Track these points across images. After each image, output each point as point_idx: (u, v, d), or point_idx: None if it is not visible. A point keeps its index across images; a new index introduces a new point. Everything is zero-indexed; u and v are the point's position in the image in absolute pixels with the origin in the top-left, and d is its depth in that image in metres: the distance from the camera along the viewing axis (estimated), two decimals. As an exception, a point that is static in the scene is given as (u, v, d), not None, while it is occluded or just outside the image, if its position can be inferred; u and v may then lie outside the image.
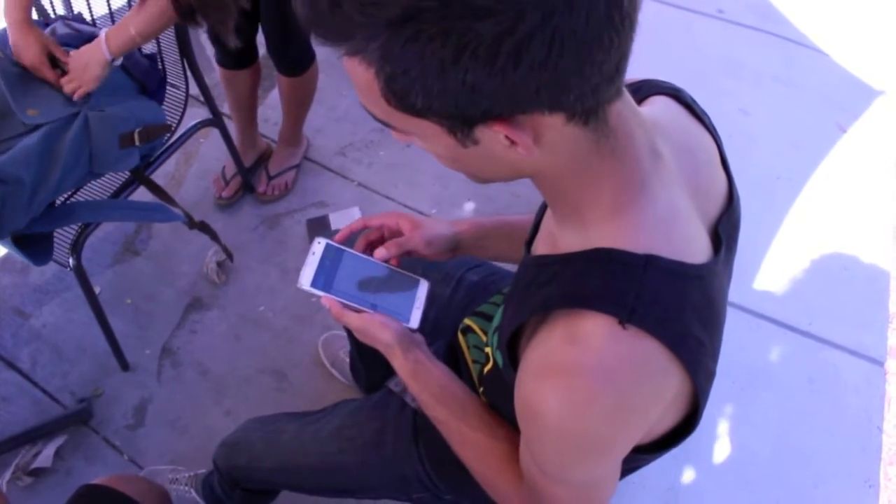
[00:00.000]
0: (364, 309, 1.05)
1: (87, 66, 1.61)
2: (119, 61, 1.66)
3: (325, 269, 1.07)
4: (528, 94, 0.60)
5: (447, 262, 1.33)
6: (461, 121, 0.64)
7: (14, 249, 1.61)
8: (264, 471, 1.37)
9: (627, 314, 0.68)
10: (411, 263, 1.25)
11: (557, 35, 0.56)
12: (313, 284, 1.05)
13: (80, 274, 1.78)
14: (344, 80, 2.78)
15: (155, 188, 1.86)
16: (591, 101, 0.63)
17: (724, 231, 0.81)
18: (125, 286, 2.26)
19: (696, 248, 0.75)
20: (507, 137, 0.64)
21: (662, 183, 0.74)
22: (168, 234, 2.37)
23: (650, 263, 0.70)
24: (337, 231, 1.44)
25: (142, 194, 1.87)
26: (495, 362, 0.98)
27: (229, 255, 2.24)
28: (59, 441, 1.93)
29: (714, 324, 0.76)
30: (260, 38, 2.12)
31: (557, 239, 0.81)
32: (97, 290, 2.11)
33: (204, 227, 2.02)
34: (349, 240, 1.17)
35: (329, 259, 1.09)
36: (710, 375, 0.77)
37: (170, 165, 2.53)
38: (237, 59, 2.17)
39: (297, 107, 2.37)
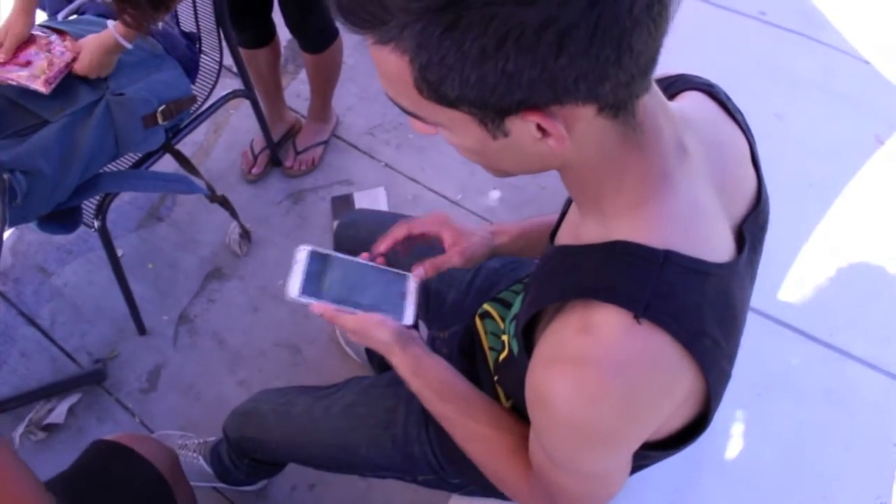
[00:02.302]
0: (357, 311, 1.04)
1: (93, 54, 1.55)
2: (131, 46, 1.58)
3: (312, 277, 1.06)
4: (566, 84, 0.59)
5: None
6: (494, 111, 0.63)
7: (40, 228, 1.62)
8: (273, 443, 1.38)
9: (642, 309, 0.68)
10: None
11: (601, 23, 0.55)
12: (302, 293, 1.03)
13: (104, 236, 1.80)
14: (377, 59, 2.78)
15: (181, 158, 1.87)
16: (624, 94, 0.63)
17: (750, 231, 0.80)
18: (147, 251, 2.28)
19: (717, 247, 0.74)
20: (539, 129, 0.63)
21: (687, 178, 0.74)
22: (193, 202, 2.39)
23: (668, 259, 0.70)
24: (364, 218, 1.44)
25: (167, 162, 1.88)
26: (511, 350, 0.98)
27: (246, 233, 2.25)
28: (73, 399, 1.96)
29: (732, 325, 0.75)
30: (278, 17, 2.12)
31: (580, 230, 0.80)
32: (120, 253, 2.14)
33: (224, 203, 2.03)
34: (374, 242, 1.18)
35: (314, 265, 1.07)
36: (725, 377, 0.76)
37: (199, 135, 2.55)
38: (254, 38, 2.17)
39: (323, 82, 2.37)
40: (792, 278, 2.23)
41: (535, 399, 0.77)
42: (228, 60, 2.01)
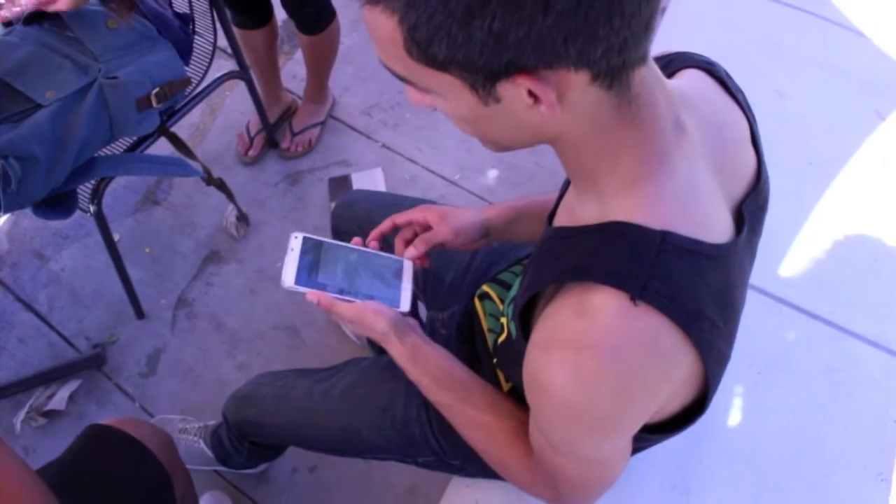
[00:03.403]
0: (352, 300, 1.03)
1: None
2: None
3: (307, 264, 1.05)
4: (555, 45, 0.58)
5: None
6: (484, 74, 0.62)
7: (36, 214, 1.61)
8: (273, 426, 1.38)
9: (639, 291, 0.67)
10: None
11: (575, 12, 0.55)
12: (297, 282, 1.03)
13: (101, 220, 1.79)
14: (374, 39, 2.76)
15: (176, 141, 1.86)
16: (616, 60, 0.62)
17: (749, 211, 0.79)
18: (144, 235, 2.28)
19: (716, 227, 0.74)
20: (530, 94, 0.63)
21: (684, 157, 0.73)
22: (189, 185, 2.38)
23: (665, 240, 0.69)
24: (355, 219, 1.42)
25: (163, 145, 1.86)
26: (510, 333, 0.98)
27: (243, 217, 2.24)
28: (73, 385, 1.96)
29: (730, 306, 0.75)
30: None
31: (576, 211, 0.80)
32: (116, 237, 2.13)
33: (221, 186, 2.02)
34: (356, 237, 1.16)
35: (309, 252, 1.07)
36: (724, 358, 0.76)
37: (194, 116, 2.54)
38: (251, 19, 2.15)
39: (320, 64, 2.35)
40: (792, 255, 2.23)
41: (533, 383, 0.76)
42: (223, 41, 1.99)
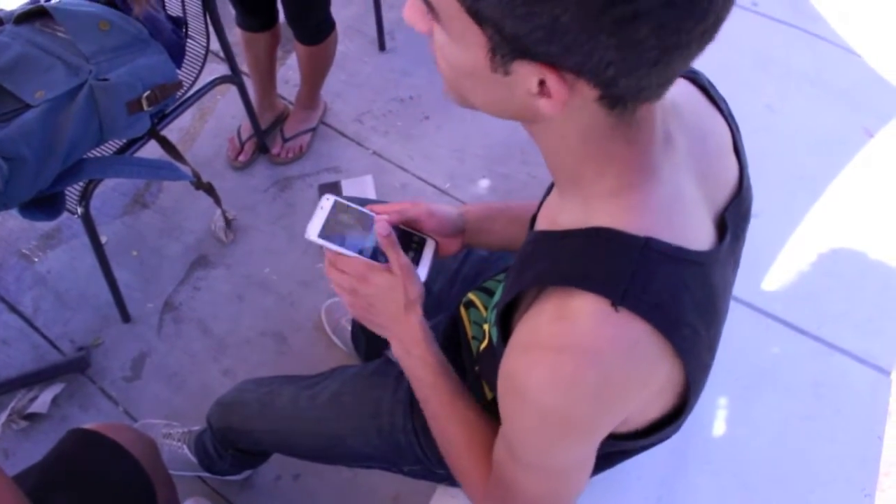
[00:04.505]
0: (371, 262, 1.03)
1: None
2: None
3: (333, 224, 1.06)
4: (599, 63, 0.58)
5: None
6: (517, 48, 0.61)
7: (22, 215, 1.61)
8: (258, 432, 1.37)
9: (620, 296, 0.67)
10: None
11: (665, 26, 0.55)
12: (321, 236, 1.04)
13: (88, 222, 1.78)
14: (367, 46, 2.77)
15: (166, 144, 1.85)
16: (631, 95, 0.63)
17: (731, 219, 0.80)
18: (132, 238, 2.27)
19: (698, 235, 0.74)
20: (540, 84, 0.63)
21: (671, 168, 0.73)
22: (178, 188, 2.37)
23: (648, 246, 0.69)
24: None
25: (152, 148, 1.86)
26: (491, 339, 0.98)
27: (227, 222, 2.24)
28: (56, 388, 1.95)
29: (712, 313, 0.75)
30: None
31: (559, 214, 0.80)
32: (103, 239, 2.12)
33: (210, 190, 2.01)
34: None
35: (337, 215, 1.08)
36: (705, 367, 0.76)
37: (185, 120, 2.53)
38: (257, 21, 2.15)
39: (315, 74, 2.36)
40: (780, 270, 2.23)
41: (509, 386, 0.76)
42: (215, 45, 1.99)
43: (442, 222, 1.12)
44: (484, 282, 1.25)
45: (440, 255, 1.13)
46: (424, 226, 1.11)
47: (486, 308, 1.19)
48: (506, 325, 0.85)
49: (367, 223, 1.08)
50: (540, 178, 2.42)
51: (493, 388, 1.04)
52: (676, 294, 0.70)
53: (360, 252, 1.03)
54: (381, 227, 0.99)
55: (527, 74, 0.62)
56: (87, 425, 1.25)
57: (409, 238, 1.11)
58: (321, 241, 1.03)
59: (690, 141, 0.77)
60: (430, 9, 0.65)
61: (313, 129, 2.50)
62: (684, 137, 0.77)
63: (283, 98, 2.60)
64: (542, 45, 0.58)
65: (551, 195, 0.90)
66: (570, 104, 0.64)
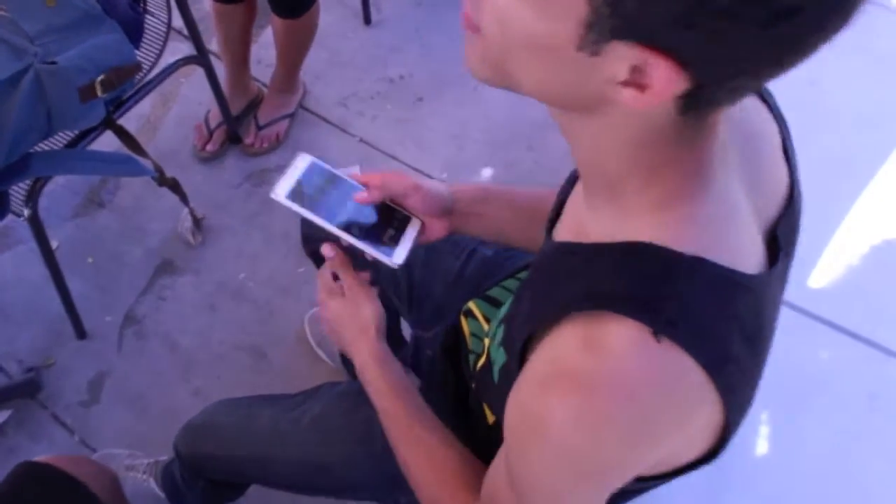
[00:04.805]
0: (342, 234, 1.05)
1: None
2: None
3: (306, 185, 1.07)
4: (733, 58, 0.56)
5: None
6: (629, 28, 0.56)
7: None
8: (233, 461, 1.37)
9: (663, 324, 0.65)
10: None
11: (815, 23, 0.54)
12: (290, 197, 1.04)
13: (36, 226, 1.78)
14: (350, 19, 2.76)
15: (124, 135, 1.85)
16: (723, 98, 0.62)
17: (783, 235, 0.79)
18: (87, 242, 2.26)
19: (751, 255, 0.73)
20: (633, 72, 0.59)
21: (726, 176, 0.72)
22: (138, 185, 2.37)
23: (697, 267, 0.68)
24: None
25: (108, 139, 1.85)
26: (489, 358, 0.97)
27: (196, 222, 2.24)
28: (2, 416, 1.94)
29: (761, 346, 0.74)
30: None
31: (586, 224, 0.79)
32: (54, 244, 2.11)
33: (175, 187, 2.01)
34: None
35: (312, 176, 1.09)
36: (747, 404, 0.75)
37: (144, 107, 2.53)
38: None
39: (294, 52, 2.35)
40: (828, 268, 2.23)
41: (524, 421, 0.75)
42: (178, 22, 1.98)
43: (429, 200, 1.11)
44: (488, 289, 1.24)
45: (424, 238, 1.13)
46: (409, 203, 1.11)
47: (486, 319, 1.18)
48: (522, 349, 0.83)
49: (343, 190, 1.08)
50: (548, 165, 2.42)
51: (494, 411, 1.04)
52: (725, 324, 0.68)
53: (332, 222, 1.04)
54: (327, 250, 1.09)
55: (620, 58, 0.59)
56: (39, 458, 1.25)
57: (391, 214, 1.11)
58: (289, 203, 1.03)
59: (742, 145, 0.76)
60: None
61: (291, 115, 2.50)
62: (737, 141, 0.75)
63: (257, 80, 2.60)
64: (670, 29, 0.55)
65: (576, 197, 0.88)
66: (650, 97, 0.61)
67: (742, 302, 0.70)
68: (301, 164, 1.08)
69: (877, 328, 2.09)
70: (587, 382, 0.68)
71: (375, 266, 1.12)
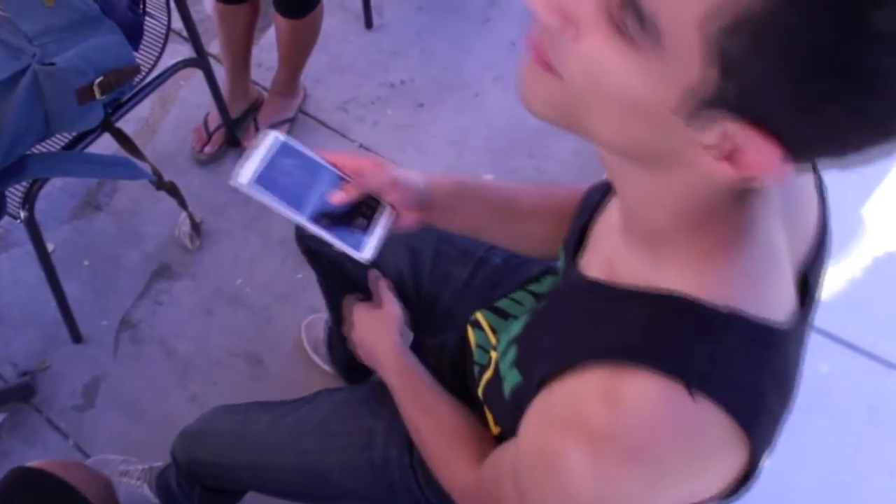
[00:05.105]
0: (311, 226, 0.99)
1: None
2: None
3: (272, 168, 0.99)
4: (832, 144, 0.55)
5: (461, 239, 1.31)
6: (745, 106, 0.54)
7: None
8: (229, 467, 1.36)
9: (698, 381, 0.65)
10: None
11: None
12: (254, 181, 0.95)
13: (33, 228, 1.78)
14: (351, 23, 2.77)
15: (122, 138, 1.84)
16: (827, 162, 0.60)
17: (813, 277, 0.78)
18: (83, 245, 2.27)
19: (784, 301, 0.73)
20: (724, 141, 0.57)
21: (766, 220, 0.71)
22: (136, 188, 2.37)
23: (732, 321, 0.67)
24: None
25: (106, 141, 1.85)
26: (497, 373, 0.97)
27: (194, 227, 2.24)
28: (-4, 419, 1.94)
29: (788, 392, 0.74)
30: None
31: (618, 262, 0.78)
32: (50, 247, 2.11)
33: (172, 190, 2.01)
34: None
35: (279, 157, 1.00)
36: (771, 449, 0.75)
37: (143, 110, 2.53)
38: None
39: (297, 54, 2.35)
40: (828, 278, 2.23)
41: (539, 455, 0.74)
42: (178, 23, 1.99)
43: (406, 195, 1.08)
44: (497, 300, 1.24)
45: (394, 229, 1.09)
46: (385, 198, 1.07)
47: (493, 331, 1.18)
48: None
49: (312, 173, 1.02)
50: (549, 172, 2.43)
51: (500, 422, 1.04)
52: (759, 376, 0.68)
53: (301, 211, 0.98)
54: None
55: (717, 130, 0.56)
56: (33, 463, 1.25)
57: (362, 203, 1.06)
58: (253, 191, 0.95)
59: (784, 184, 0.74)
60: (623, 7, 0.54)
61: (291, 120, 2.50)
62: None
63: (257, 84, 2.60)
64: (786, 113, 0.53)
65: (607, 230, 0.87)
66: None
67: (774, 352, 0.70)
68: (265, 143, 0.99)
69: (878, 341, 2.09)
70: (609, 436, 0.67)
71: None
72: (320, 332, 2.06)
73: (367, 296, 1.34)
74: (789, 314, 0.72)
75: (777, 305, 0.71)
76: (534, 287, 1.23)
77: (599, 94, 0.59)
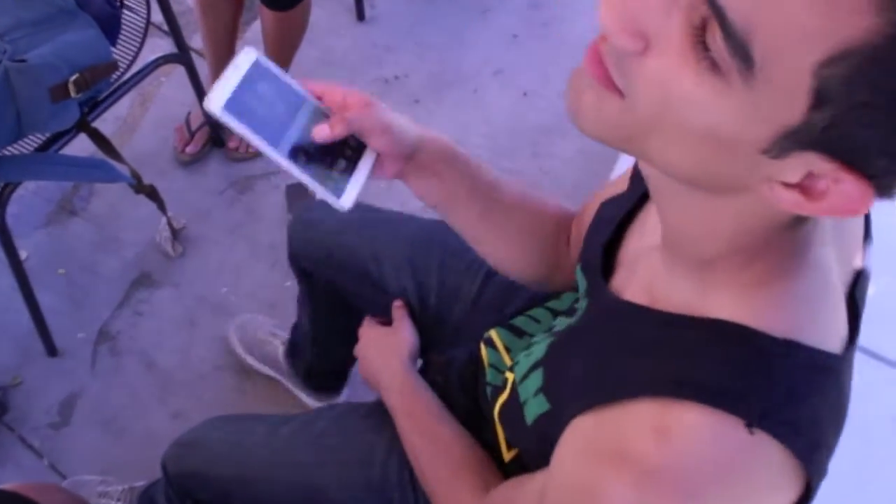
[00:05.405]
0: (288, 165, 0.94)
1: None
2: None
3: (249, 93, 0.94)
4: None
5: (468, 252, 1.28)
6: (837, 147, 0.53)
7: None
8: (222, 480, 1.36)
9: (758, 416, 0.64)
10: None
11: None
12: (227, 108, 0.91)
13: (4, 235, 1.78)
14: (342, 15, 2.76)
15: (98, 138, 1.84)
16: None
17: (860, 299, 0.77)
18: (58, 253, 2.26)
19: (837, 329, 0.72)
20: (808, 179, 0.56)
21: (822, 246, 0.70)
22: (114, 192, 2.36)
23: (790, 353, 0.66)
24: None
25: (82, 142, 1.84)
26: (515, 397, 0.95)
27: (175, 232, 2.23)
28: (-34, 438, 1.93)
29: (842, 421, 0.73)
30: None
31: (659, 288, 0.77)
32: (23, 255, 2.10)
33: (152, 194, 2.00)
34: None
35: (257, 82, 0.96)
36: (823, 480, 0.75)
37: (122, 108, 2.52)
38: None
39: (284, 48, 2.34)
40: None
41: (576, 494, 0.73)
42: (158, 17, 1.98)
43: (395, 146, 1.03)
44: (513, 318, 1.23)
45: (375, 173, 1.05)
46: (372, 141, 1.02)
47: (508, 350, 1.17)
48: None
49: (295, 103, 0.98)
50: (554, 173, 2.42)
51: (516, 444, 1.03)
52: (817, 410, 0.68)
53: (278, 145, 0.94)
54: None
55: (802, 166, 0.55)
56: (5, 485, 1.24)
57: (345, 141, 1.01)
58: (227, 118, 0.91)
59: None
60: (718, 39, 0.51)
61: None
62: None
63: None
64: (888, 158, 0.52)
65: (638, 250, 0.87)
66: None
67: (831, 385, 0.70)
68: (243, 63, 0.95)
69: (904, 349, 2.08)
70: (655, 474, 0.66)
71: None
72: (256, 332, 2.06)
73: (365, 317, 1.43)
74: (841, 341, 0.71)
75: (830, 333, 0.70)
76: (553, 304, 1.22)
77: (673, 122, 0.57)
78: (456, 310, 1.36)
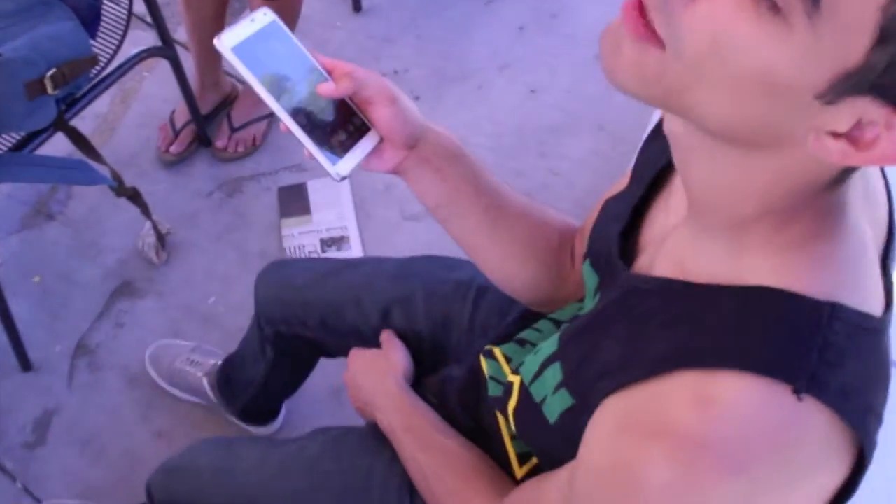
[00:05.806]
0: (287, 119, 0.96)
1: None
2: None
3: (260, 46, 0.98)
4: None
5: (451, 272, 1.35)
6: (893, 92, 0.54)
7: None
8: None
9: (805, 382, 0.64)
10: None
11: None
12: (237, 50, 0.95)
13: (-25, 240, 1.77)
14: (338, 5, 2.76)
15: (77, 137, 1.84)
16: None
17: (891, 267, 0.78)
18: (33, 260, 2.26)
19: (877, 293, 0.73)
20: (857, 128, 0.57)
21: (856, 210, 0.71)
22: (93, 194, 2.36)
23: (835, 315, 0.67)
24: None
25: (59, 142, 1.84)
26: (528, 398, 0.95)
27: (159, 238, 2.23)
28: (-66, 459, 1.93)
29: (887, 387, 0.74)
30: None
31: (689, 260, 0.78)
32: (-4, 262, 2.11)
33: (135, 197, 2.00)
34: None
35: (270, 39, 1.00)
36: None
37: (102, 105, 2.52)
38: None
39: None
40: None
41: (611, 474, 0.73)
42: (140, 8, 1.98)
43: (398, 119, 1.03)
44: (517, 332, 1.22)
45: (370, 163, 1.05)
46: (376, 112, 1.02)
47: (507, 360, 1.17)
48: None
49: (301, 68, 1.01)
50: (563, 174, 2.42)
51: (541, 452, 1.03)
52: (866, 374, 0.69)
53: (280, 100, 0.96)
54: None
55: (854, 112, 0.57)
56: (-24, 510, 1.23)
57: (349, 117, 1.03)
58: (232, 56, 0.94)
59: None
60: None
61: (270, 116, 2.49)
62: None
63: (231, 76, 2.59)
64: None
65: (661, 222, 0.88)
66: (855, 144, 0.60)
67: (876, 347, 0.70)
68: (261, 19, 1.00)
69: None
70: (699, 446, 0.66)
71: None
72: (174, 361, 2.04)
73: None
74: (881, 306, 0.72)
75: (871, 296, 0.71)
76: (555, 315, 1.22)
77: (724, 70, 0.58)
78: (454, 335, 1.37)
